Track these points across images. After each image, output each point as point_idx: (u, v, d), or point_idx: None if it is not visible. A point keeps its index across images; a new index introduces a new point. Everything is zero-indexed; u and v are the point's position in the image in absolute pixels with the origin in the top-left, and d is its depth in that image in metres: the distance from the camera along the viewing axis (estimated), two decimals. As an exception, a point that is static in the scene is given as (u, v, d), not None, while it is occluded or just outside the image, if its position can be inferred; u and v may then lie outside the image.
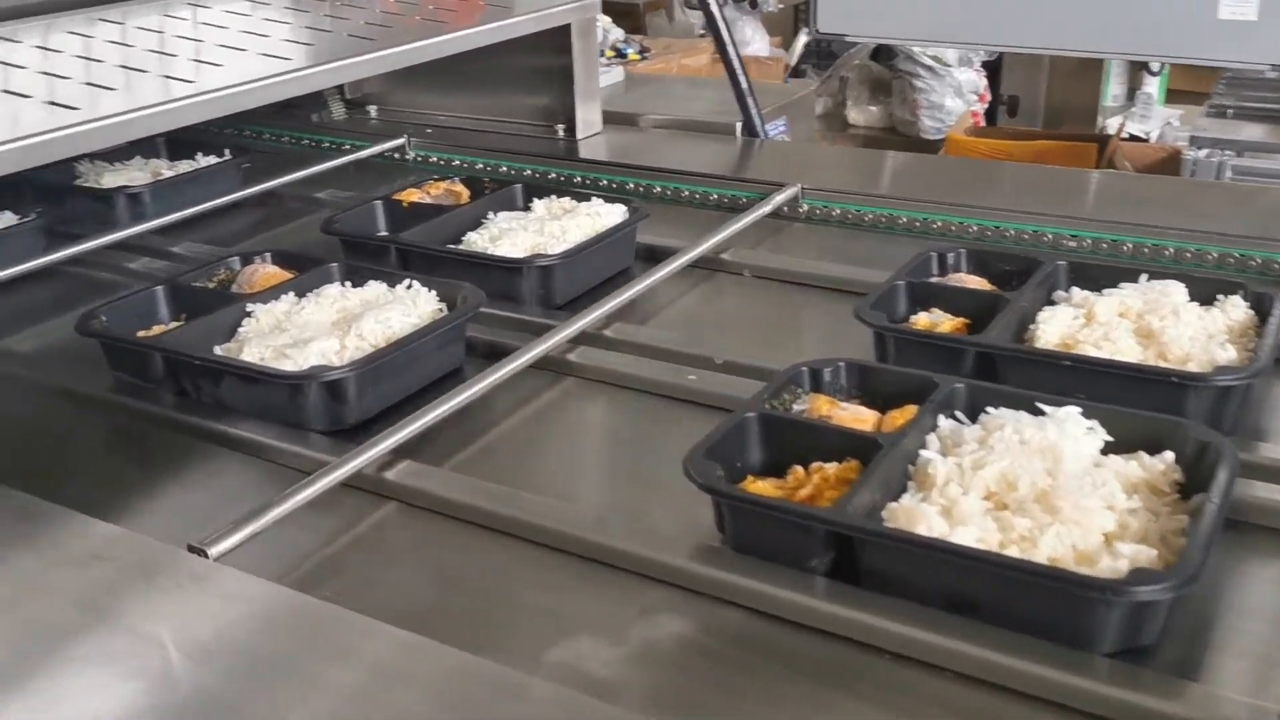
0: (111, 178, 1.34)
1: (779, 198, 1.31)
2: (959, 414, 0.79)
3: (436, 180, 1.29)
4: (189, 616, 0.61)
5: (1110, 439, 0.75)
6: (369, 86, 1.70)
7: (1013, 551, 0.65)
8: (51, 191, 1.29)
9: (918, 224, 1.27)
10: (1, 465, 0.83)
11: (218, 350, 0.91)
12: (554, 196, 1.23)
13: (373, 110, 1.70)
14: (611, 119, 1.60)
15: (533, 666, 0.63)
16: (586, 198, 1.21)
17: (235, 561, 0.69)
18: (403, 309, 0.96)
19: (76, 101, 0.89)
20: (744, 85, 1.58)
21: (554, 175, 1.46)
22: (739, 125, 1.60)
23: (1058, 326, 0.92)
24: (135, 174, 1.36)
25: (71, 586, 0.64)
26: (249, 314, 0.96)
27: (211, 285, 1.05)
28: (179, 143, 1.43)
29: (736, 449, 0.76)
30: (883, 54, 3.47)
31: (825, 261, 1.20)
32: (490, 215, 1.19)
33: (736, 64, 1.59)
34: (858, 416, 0.78)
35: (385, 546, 0.78)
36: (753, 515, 0.70)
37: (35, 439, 0.91)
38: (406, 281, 1.01)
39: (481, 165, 1.51)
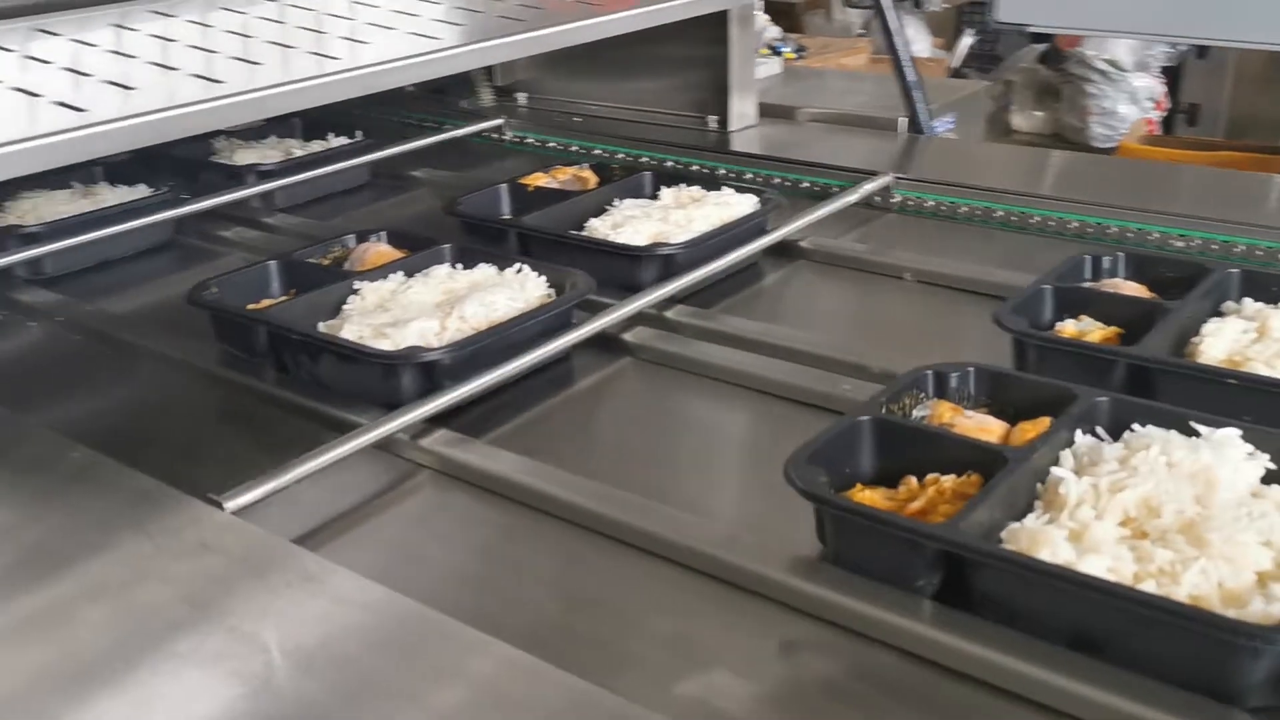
0: (244, 154, 1.36)
1: (869, 186, 1.25)
2: (1100, 430, 0.70)
3: (564, 166, 1.26)
4: (295, 619, 0.56)
5: (1273, 467, 0.66)
6: (519, 73, 1.66)
7: (1149, 586, 0.57)
8: (187, 166, 1.31)
9: (1072, 226, 1.17)
10: (105, 433, 0.82)
11: (321, 327, 0.90)
12: (683, 185, 1.18)
13: (521, 97, 1.66)
14: (768, 112, 1.52)
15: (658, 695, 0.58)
16: (717, 187, 1.16)
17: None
18: (509, 293, 0.93)
19: (227, 75, 0.88)
20: (911, 77, 1.47)
21: (696, 167, 1.38)
22: (903, 120, 1.49)
23: (1224, 340, 0.82)
24: (268, 152, 1.38)
25: (180, 576, 0.60)
26: (355, 291, 0.95)
27: (325, 262, 1.04)
28: (314, 123, 1.44)
29: (845, 455, 0.69)
30: (1051, 57, 3.30)
31: (954, 260, 1.12)
32: (616, 202, 1.15)
33: (903, 53, 1.48)
34: (983, 426, 0.71)
35: (462, 535, 0.74)
36: (856, 527, 0.64)
37: (141, 409, 0.91)
38: (516, 266, 0.97)
39: (604, 152, 1.45)
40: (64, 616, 0.57)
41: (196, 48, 0.98)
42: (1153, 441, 0.67)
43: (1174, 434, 0.68)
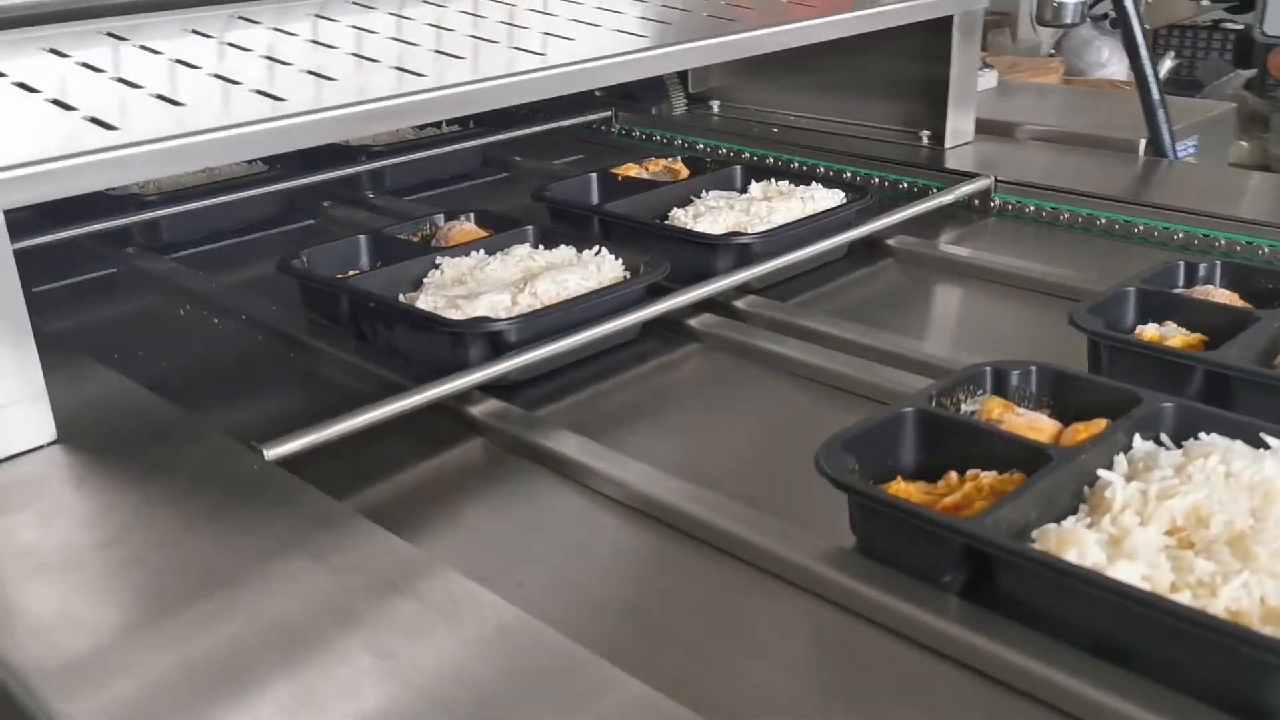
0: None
1: (966, 188, 1.22)
2: (1164, 438, 0.67)
3: (657, 159, 1.27)
4: (434, 647, 0.51)
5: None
6: (713, 80, 1.59)
7: (1183, 597, 0.54)
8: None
9: (1178, 238, 1.12)
10: (198, 398, 0.85)
11: (401, 298, 0.92)
12: (772, 180, 1.17)
13: (715, 105, 1.59)
14: (983, 128, 1.42)
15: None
16: (807, 182, 1.15)
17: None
18: (584, 273, 0.94)
19: (424, 69, 0.89)
20: (1155, 96, 1.35)
21: (905, 184, 1.31)
22: (1142, 142, 1.38)
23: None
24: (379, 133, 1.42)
25: (318, 592, 0.55)
26: (436, 266, 0.97)
27: (414, 239, 1.07)
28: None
29: (886, 446, 0.68)
30: (1259, 84, 3.12)
31: (1043, 264, 1.08)
32: (703, 194, 1.15)
33: (1149, 68, 1.35)
34: (1034, 425, 0.68)
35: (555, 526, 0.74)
36: (881, 517, 0.63)
37: (218, 363, 0.95)
38: (595, 249, 0.99)
39: (801, 165, 1.38)
40: (194, 626, 0.53)
41: (395, 39, 1.00)
42: (1214, 450, 0.64)
43: (1239, 444, 0.65)
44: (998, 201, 1.24)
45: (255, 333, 1.00)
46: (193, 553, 0.59)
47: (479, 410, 0.83)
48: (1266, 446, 0.65)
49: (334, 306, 0.95)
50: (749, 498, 0.71)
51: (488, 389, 0.84)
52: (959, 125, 1.39)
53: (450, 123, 1.46)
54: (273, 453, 0.70)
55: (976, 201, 1.24)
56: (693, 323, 0.97)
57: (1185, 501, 0.60)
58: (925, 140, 1.39)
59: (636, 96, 1.59)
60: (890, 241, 1.14)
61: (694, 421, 0.87)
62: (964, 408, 0.71)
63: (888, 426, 0.68)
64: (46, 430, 0.69)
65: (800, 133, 1.46)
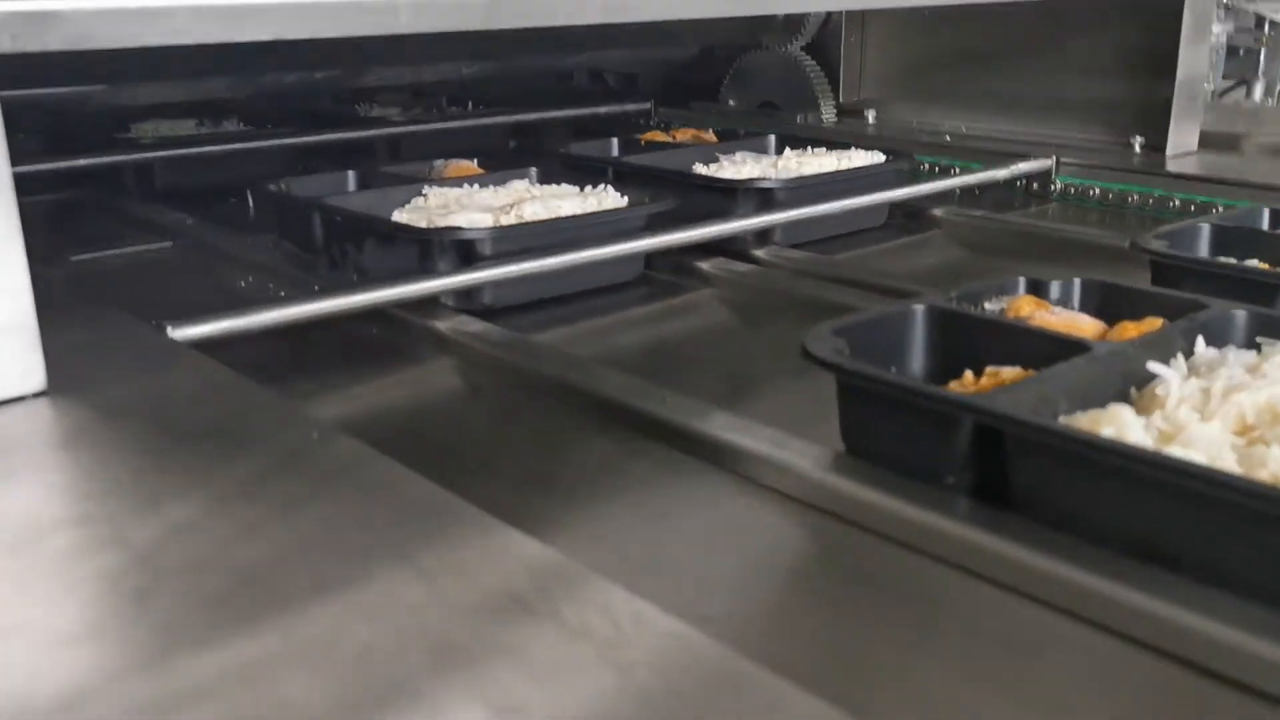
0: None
1: (1023, 166, 1.11)
2: (1232, 349, 0.55)
3: (686, 128, 1.19)
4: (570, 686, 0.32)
5: None
6: (867, 88, 1.42)
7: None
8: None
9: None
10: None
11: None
12: (809, 148, 1.08)
13: (870, 115, 1.40)
14: (1205, 141, 1.20)
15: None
16: (846, 148, 1.06)
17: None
18: (581, 203, 0.85)
19: None
20: None
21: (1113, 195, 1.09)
22: None
23: None
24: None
25: (405, 610, 0.34)
26: (422, 194, 0.89)
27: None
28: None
29: (890, 344, 0.57)
30: None
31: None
32: (731, 155, 1.06)
33: None
34: (1072, 322, 0.57)
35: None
36: (866, 400, 0.51)
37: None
38: (601, 185, 0.89)
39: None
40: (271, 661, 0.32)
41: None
42: (1293, 347, 0.52)
43: (1325, 343, 0.52)
44: (1059, 184, 1.12)
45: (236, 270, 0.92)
46: (207, 542, 0.38)
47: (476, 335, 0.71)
48: (1363, 354, 0.52)
49: (305, 229, 0.86)
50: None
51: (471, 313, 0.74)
52: (1183, 135, 1.16)
53: (478, 102, 1.39)
54: (181, 333, 0.61)
55: (1036, 184, 1.13)
56: (704, 265, 0.87)
57: (1259, 396, 0.47)
58: (1138, 148, 1.17)
59: (777, 104, 1.44)
60: (938, 212, 1.03)
61: (705, 355, 0.76)
62: (987, 306, 0.59)
63: (893, 321, 0.57)
64: (34, 376, 0.51)
65: (979, 140, 1.24)
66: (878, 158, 1.02)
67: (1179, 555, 0.42)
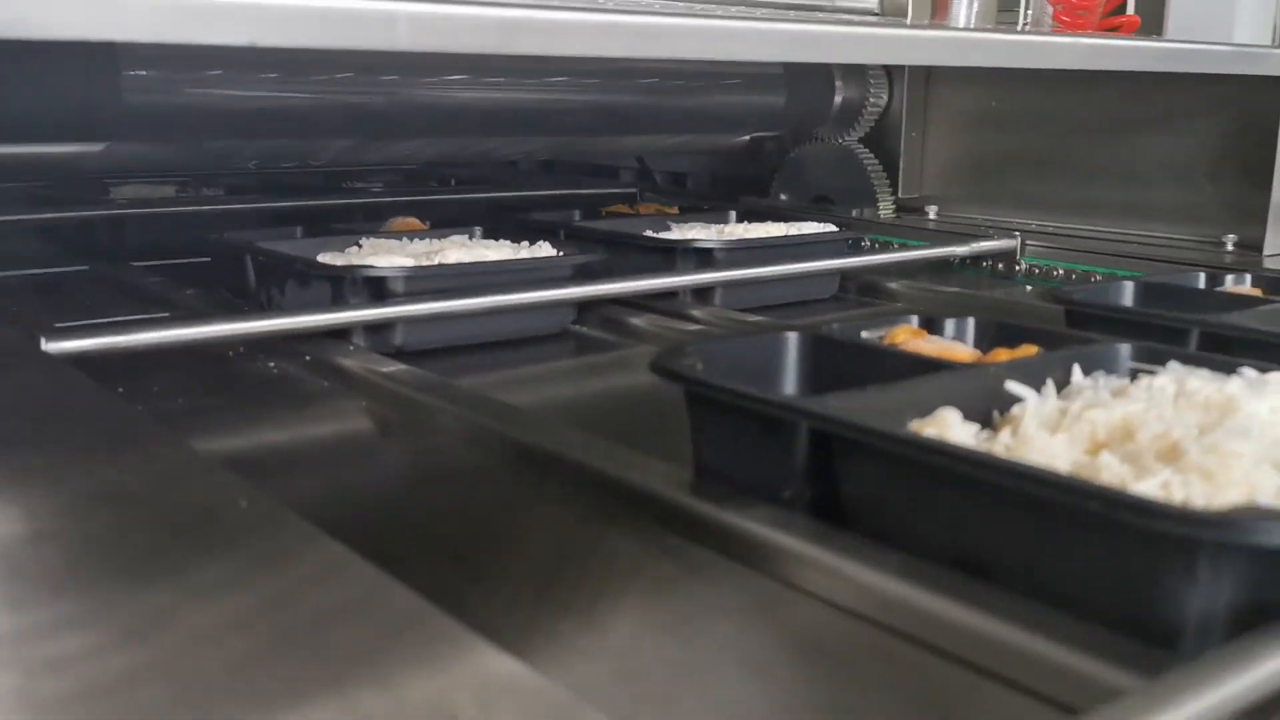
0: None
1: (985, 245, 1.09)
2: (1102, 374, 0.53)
3: (650, 204, 1.19)
4: None
5: (1344, 420, 0.46)
6: (928, 183, 1.34)
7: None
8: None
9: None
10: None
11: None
12: (770, 222, 1.07)
13: (931, 211, 1.30)
14: None
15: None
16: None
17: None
18: (509, 252, 0.84)
19: None
20: None
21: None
22: None
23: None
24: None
25: None
26: (358, 244, 0.89)
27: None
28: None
29: (761, 371, 0.55)
30: None
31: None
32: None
33: None
34: (947, 350, 0.54)
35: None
36: (705, 411, 0.49)
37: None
38: (539, 242, 0.89)
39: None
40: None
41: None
42: (1171, 373, 0.49)
43: (1205, 371, 0.50)
44: (1023, 265, 1.10)
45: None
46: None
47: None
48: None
49: (238, 272, 0.87)
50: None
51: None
52: None
53: (459, 179, 1.41)
54: (56, 346, 0.60)
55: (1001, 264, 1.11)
56: (637, 321, 0.85)
57: (1113, 414, 0.45)
58: (1231, 247, 1.07)
59: (831, 199, 1.35)
60: (894, 285, 1.01)
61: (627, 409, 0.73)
62: (864, 334, 0.57)
63: (763, 346, 0.55)
64: None
65: (1050, 237, 1.16)
66: (829, 229, 1.01)
67: (992, 564, 0.39)
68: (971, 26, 1.21)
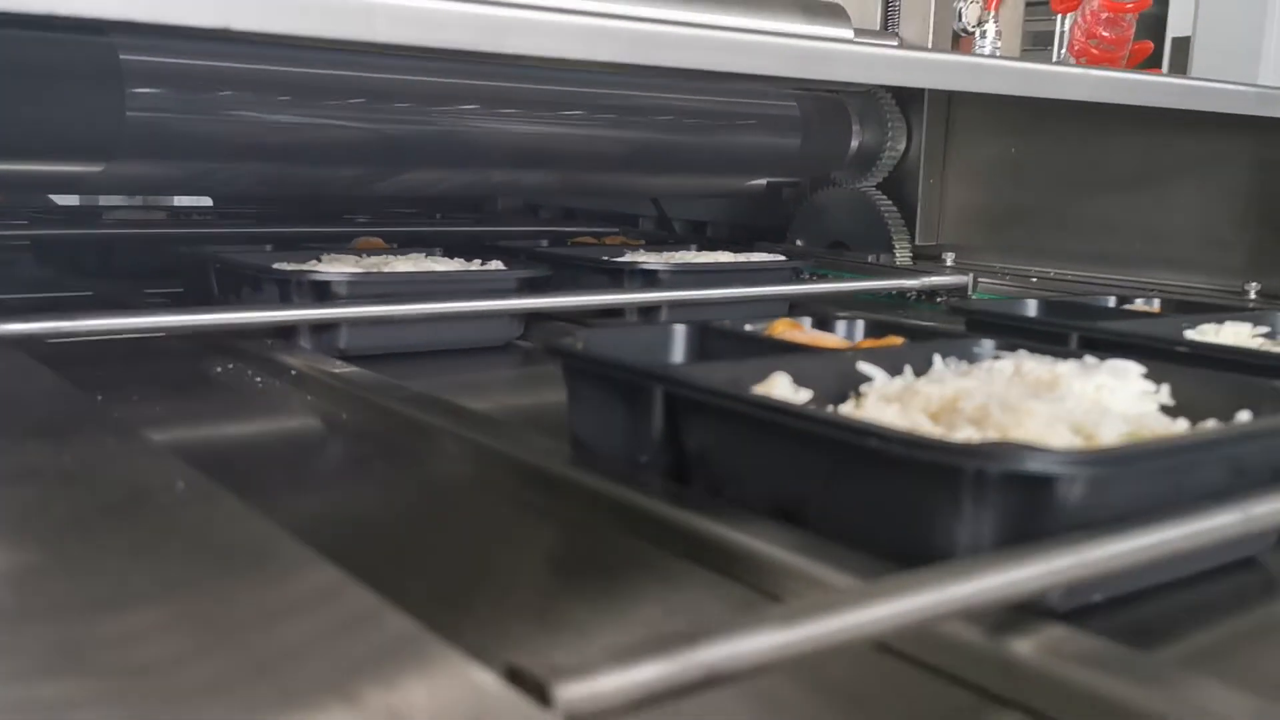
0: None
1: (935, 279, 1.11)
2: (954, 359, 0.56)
3: (615, 236, 1.23)
4: None
5: (1171, 403, 0.49)
6: (947, 230, 1.32)
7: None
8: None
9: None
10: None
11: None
12: (721, 251, 1.11)
13: (948, 258, 1.28)
14: None
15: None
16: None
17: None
18: (454, 266, 0.88)
19: None
20: None
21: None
22: None
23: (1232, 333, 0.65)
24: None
25: None
26: (318, 259, 0.93)
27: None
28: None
29: (642, 354, 0.58)
30: None
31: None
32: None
33: None
34: (820, 339, 0.58)
35: None
36: (577, 383, 0.52)
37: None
38: (494, 261, 0.93)
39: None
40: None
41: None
42: (1014, 358, 0.52)
43: (1051, 359, 0.53)
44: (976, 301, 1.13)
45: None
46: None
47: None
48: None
49: (203, 281, 0.91)
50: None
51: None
52: None
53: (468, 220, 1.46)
54: (3, 328, 0.62)
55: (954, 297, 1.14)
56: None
57: (946, 389, 0.48)
58: (1253, 295, 1.05)
59: (848, 244, 1.34)
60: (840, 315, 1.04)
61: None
62: (747, 328, 0.61)
63: (651, 334, 0.59)
64: None
65: (1072, 285, 1.14)
66: (776, 258, 1.05)
67: (802, 509, 0.42)
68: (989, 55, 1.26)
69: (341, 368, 0.72)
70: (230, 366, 0.77)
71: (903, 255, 1.29)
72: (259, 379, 0.74)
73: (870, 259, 1.29)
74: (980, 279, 1.16)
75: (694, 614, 0.40)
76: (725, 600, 0.40)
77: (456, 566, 0.45)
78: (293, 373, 0.74)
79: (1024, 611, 0.36)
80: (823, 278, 1.18)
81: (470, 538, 0.48)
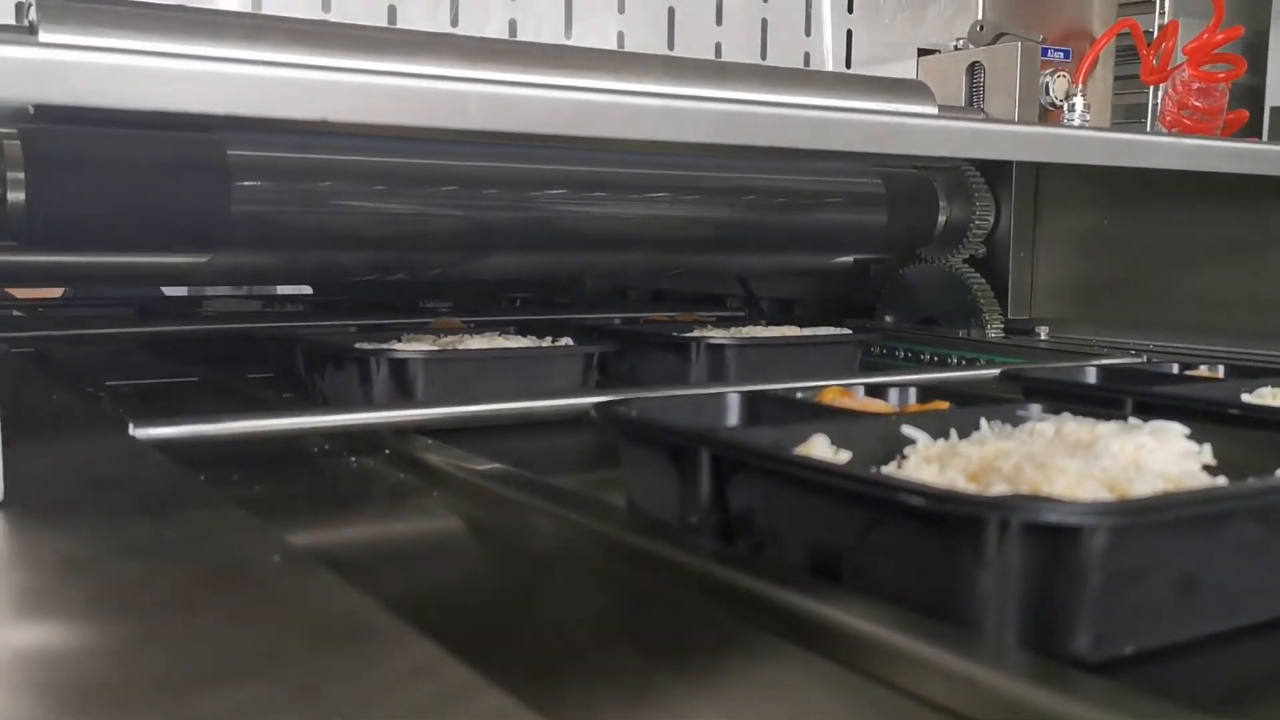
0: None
1: None
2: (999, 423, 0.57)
3: (691, 313, 1.26)
4: None
5: (1213, 463, 0.49)
6: (1041, 304, 1.31)
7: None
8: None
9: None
10: None
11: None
12: (787, 326, 1.13)
13: (1042, 332, 1.28)
14: None
15: None
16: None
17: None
18: (525, 343, 0.92)
19: None
20: None
21: None
22: None
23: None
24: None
25: None
26: (399, 338, 0.98)
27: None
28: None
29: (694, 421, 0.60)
30: None
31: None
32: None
33: None
34: (870, 405, 0.59)
35: None
36: (632, 449, 0.55)
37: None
38: (565, 339, 0.97)
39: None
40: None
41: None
42: (1057, 420, 0.53)
43: (1092, 420, 0.54)
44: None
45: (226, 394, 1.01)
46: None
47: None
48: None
49: (289, 363, 0.96)
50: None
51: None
52: None
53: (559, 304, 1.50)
54: (143, 433, 0.63)
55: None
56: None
57: (988, 449, 0.49)
58: None
59: (938, 320, 1.33)
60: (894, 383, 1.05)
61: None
62: (799, 396, 0.63)
63: (705, 403, 0.61)
64: None
65: (1174, 359, 1.02)
66: (843, 332, 1.07)
67: (838, 565, 0.44)
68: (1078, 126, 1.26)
69: (432, 444, 0.76)
70: (325, 446, 0.81)
71: (994, 330, 1.28)
72: (353, 458, 0.78)
73: (961, 334, 1.28)
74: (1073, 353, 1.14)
75: (788, 693, 0.39)
76: (819, 678, 0.40)
77: (549, 642, 0.45)
78: (386, 452, 0.77)
79: (1051, 661, 0.37)
80: (893, 353, 1.19)
81: (562, 613, 0.49)
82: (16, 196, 0.86)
